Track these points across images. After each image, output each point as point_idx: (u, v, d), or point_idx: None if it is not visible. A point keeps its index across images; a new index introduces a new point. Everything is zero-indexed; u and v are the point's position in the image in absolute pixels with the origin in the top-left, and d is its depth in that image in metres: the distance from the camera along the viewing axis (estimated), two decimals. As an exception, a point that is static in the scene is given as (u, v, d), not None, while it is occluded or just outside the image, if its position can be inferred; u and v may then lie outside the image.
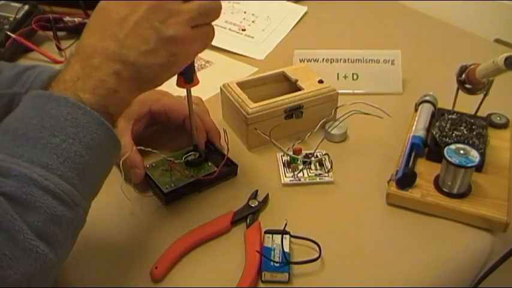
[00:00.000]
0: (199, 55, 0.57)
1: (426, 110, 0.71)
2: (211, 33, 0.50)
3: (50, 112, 0.42)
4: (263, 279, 0.52)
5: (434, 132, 0.65)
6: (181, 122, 0.67)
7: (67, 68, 0.45)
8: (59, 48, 0.95)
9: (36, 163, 0.40)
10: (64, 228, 0.41)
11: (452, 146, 0.58)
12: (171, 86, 0.54)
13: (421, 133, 0.66)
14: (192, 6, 0.47)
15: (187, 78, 0.55)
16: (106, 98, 0.45)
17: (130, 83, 0.46)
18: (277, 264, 0.52)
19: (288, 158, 0.66)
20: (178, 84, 0.56)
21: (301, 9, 1.11)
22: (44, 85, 0.46)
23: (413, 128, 0.67)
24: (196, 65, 0.62)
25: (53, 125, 0.41)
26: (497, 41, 1.03)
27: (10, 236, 0.37)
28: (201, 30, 0.48)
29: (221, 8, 0.49)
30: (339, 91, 0.72)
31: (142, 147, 0.62)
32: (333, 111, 0.70)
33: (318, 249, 0.53)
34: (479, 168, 0.62)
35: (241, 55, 0.95)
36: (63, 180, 0.40)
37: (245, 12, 1.09)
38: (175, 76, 0.54)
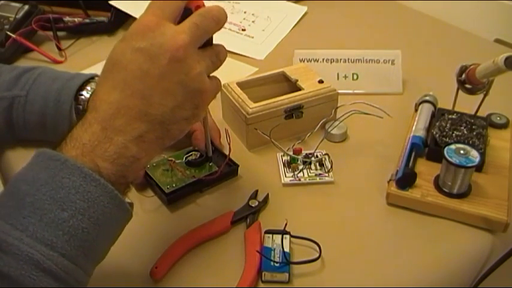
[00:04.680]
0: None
1: (426, 110, 0.71)
2: (220, 84, 0.49)
3: (61, 181, 0.39)
4: (263, 279, 0.52)
5: (434, 132, 0.65)
6: None
7: (85, 125, 0.42)
8: (59, 48, 0.95)
9: (40, 240, 0.38)
10: None
11: (453, 146, 0.58)
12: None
13: (421, 133, 0.66)
14: (207, 55, 0.46)
15: None
16: (127, 167, 0.42)
17: (153, 145, 0.44)
18: (277, 264, 0.52)
19: (288, 158, 0.66)
20: None
21: (301, 9, 1.11)
22: (58, 131, 0.42)
23: (413, 128, 0.67)
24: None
25: (63, 197, 0.39)
26: (497, 41, 1.03)
27: None
28: (214, 80, 0.48)
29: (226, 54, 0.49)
30: (339, 91, 0.72)
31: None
32: (333, 111, 0.70)
33: (318, 249, 0.53)
34: (479, 168, 0.62)
35: (241, 55, 0.95)
36: (66, 259, 0.38)
37: (245, 12, 1.09)
38: None
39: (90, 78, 0.66)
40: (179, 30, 0.43)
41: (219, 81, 0.49)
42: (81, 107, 0.64)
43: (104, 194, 0.40)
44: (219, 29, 0.46)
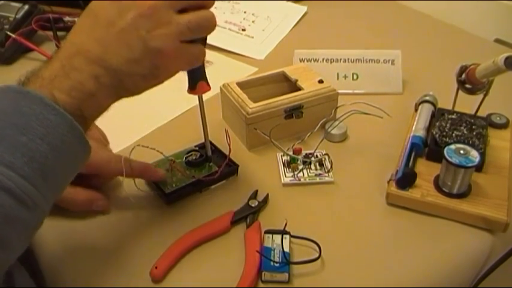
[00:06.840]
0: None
1: (426, 110, 0.71)
2: (199, 54, 0.49)
3: (22, 110, 0.41)
4: (263, 279, 0.52)
5: (434, 132, 0.65)
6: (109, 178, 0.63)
7: (47, 64, 0.45)
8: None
9: (0, 161, 0.39)
10: (19, 229, 0.41)
11: (452, 146, 0.58)
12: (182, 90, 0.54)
13: (421, 133, 0.66)
14: (182, 19, 0.46)
15: (190, 84, 0.55)
16: (82, 101, 0.44)
17: (109, 89, 0.45)
18: (277, 264, 0.52)
19: (288, 158, 0.66)
20: (188, 91, 0.55)
21: (301, 9, 1.11)
22: (24, 78, 0.44)
23: (413, 128, 0.67)
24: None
25: (24, 123, 0.41)
26: (497, 41, 1.03)
27: None
28: (189, 48, 0.48)
29: (214, 25, 0.48)
30: (339, 91, 0.72)
31: (144, 146, 0.62)
32: (333, 111, 0.70)
33: (318, 249, 0.53)
34: (479, 168, 0.62)
35: (241, 55, 0.94)
36: (25, 180, 0.40)
37: (245, 12, 1.09)
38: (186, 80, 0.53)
39: None
40: None
41: (199, 49, 0.49)
42: None
43: (63, 122, 0.42)
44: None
